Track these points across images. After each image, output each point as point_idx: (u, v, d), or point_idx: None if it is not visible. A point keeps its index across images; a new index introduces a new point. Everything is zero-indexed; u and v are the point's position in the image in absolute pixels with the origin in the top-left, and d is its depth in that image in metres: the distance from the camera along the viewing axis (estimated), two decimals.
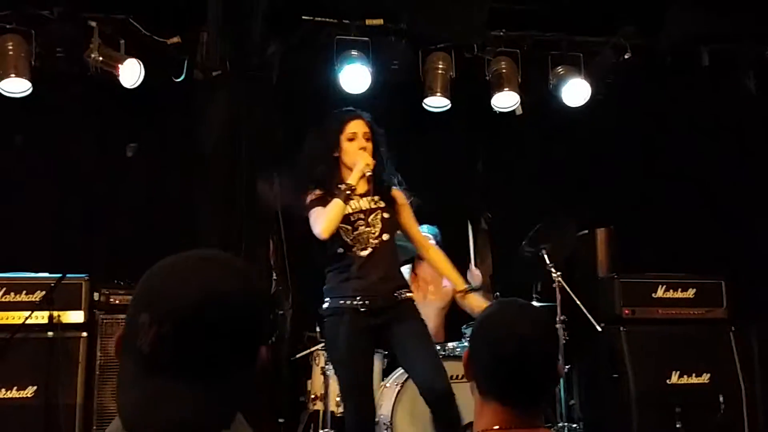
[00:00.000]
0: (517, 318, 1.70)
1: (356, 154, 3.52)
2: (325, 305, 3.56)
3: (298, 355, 4.90)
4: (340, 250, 3.51)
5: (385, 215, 3.55)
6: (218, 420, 1.10)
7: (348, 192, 3.45)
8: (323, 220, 3.45)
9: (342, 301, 3.48)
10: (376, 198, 3.55)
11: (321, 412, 4.59)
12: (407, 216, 3.69)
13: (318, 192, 3.54)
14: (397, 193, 3.65)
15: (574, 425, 4.52)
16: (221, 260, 1.18)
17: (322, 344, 4.63)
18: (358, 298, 3.45)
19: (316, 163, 3.60)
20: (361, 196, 3.54)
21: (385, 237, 3.53)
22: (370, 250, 3.49)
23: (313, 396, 4.70)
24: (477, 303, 3.65)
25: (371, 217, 3.52)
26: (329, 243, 3.53)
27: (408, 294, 3.58)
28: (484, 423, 1.67)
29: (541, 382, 1.67)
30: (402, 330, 3.49)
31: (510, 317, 1.71)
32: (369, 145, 3.57)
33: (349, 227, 3.50)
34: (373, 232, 3.50)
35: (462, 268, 5.15)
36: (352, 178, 3.48)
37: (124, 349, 1.13)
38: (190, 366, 1.09)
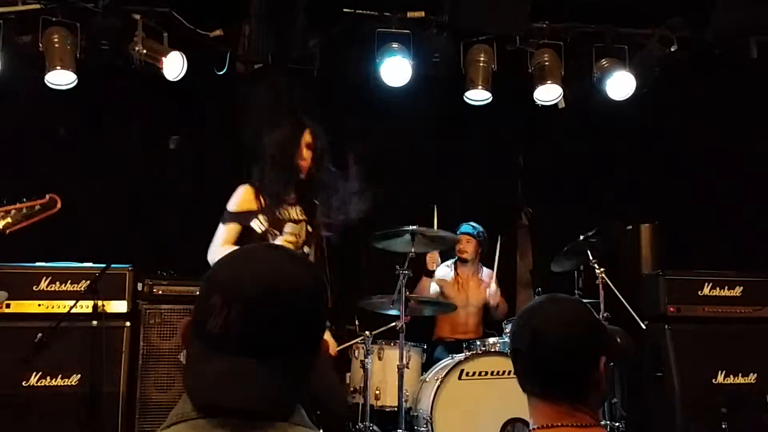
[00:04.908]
0: (536, 311, 1.69)
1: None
2: None
3: (337, 348, 4.89)
4: None
5: (309, 228, 3.67)
6: (285, 399, 1.13)
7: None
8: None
9: None
10: (304, 209, 3.68)
11: (360, 405, 4.58)
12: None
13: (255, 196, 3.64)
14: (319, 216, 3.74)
15: (617, 423, 4.44)
16: (288, 251, 1.27)
17: (362, 338, 4.63)
18: None
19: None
20: (291, 205, 3.65)
21: (306, 249, 3.63)
22: None
23: (352, 389, 4.70)
24: None
25: (297, 227, 3.63)
26: (249, 241, 3.56)
27: None
28: (533, 420, 1.65)
29: (560, 375, 1.61)
30: None
31: (529, 311, 1.71)
32: (309, 155, 3.70)
33: (277, 232, 3.57)
34: (297, 242, 3.59)
35: (505, 265, 5.11)
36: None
37: (192, 335, 1.16)
38: (258, 346, 1.12)
